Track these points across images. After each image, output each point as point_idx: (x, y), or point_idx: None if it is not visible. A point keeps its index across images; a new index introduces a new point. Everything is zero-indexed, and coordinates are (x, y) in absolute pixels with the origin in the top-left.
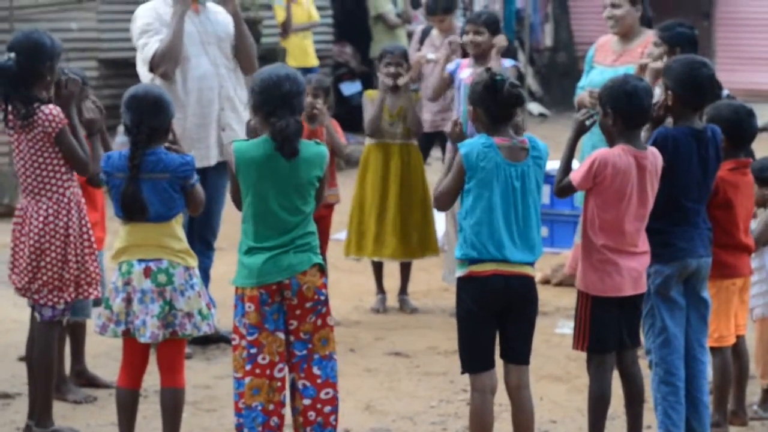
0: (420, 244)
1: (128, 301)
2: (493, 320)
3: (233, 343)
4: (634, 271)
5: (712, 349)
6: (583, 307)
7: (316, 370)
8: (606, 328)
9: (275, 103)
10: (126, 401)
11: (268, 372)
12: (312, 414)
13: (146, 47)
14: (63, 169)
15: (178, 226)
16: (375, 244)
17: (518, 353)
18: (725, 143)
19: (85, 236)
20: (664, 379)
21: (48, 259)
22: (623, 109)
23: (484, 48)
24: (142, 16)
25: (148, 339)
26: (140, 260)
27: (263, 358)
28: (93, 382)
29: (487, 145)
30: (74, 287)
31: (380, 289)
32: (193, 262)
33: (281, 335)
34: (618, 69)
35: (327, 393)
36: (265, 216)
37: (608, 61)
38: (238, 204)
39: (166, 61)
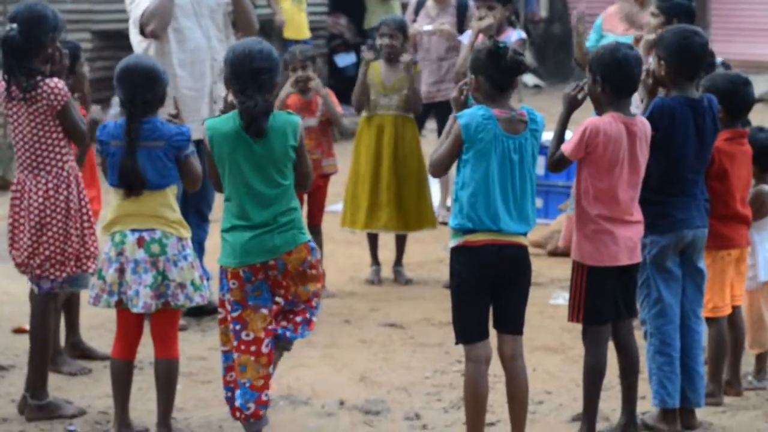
0: (416, 216)
1: (121, 271)
2: (487, 290)
3: (219, 316)
4: (629, 241)
5: (708, 319)
6: (578, 278)
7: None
8: (602, 299)
9: (245, 79)
10: (120, 372)
11: (253, 348)
12: (283, 323)
13: (137, 8)
14: (62, 143)
15: (172, 196)
16: (368, 215)
17: (512, 323)
18: (721, 113)
19: (84, 209)
20: (660, 349)
21: (50, 234)
22: (612, 77)
23: (497, 21)
24: None
25: (140, 309)
26: (133, 230)
27: (247, 335)
28: (88, 354)
29: (486, 116)
30: (75, 261)
31: (375, 260)
32: (186, 233)
33: (265, 311)
34: (630, 37)
35: (299, 306)
36: (243, 190)
37: (620, 30)
38: (217, 184)
39: (156, 19)
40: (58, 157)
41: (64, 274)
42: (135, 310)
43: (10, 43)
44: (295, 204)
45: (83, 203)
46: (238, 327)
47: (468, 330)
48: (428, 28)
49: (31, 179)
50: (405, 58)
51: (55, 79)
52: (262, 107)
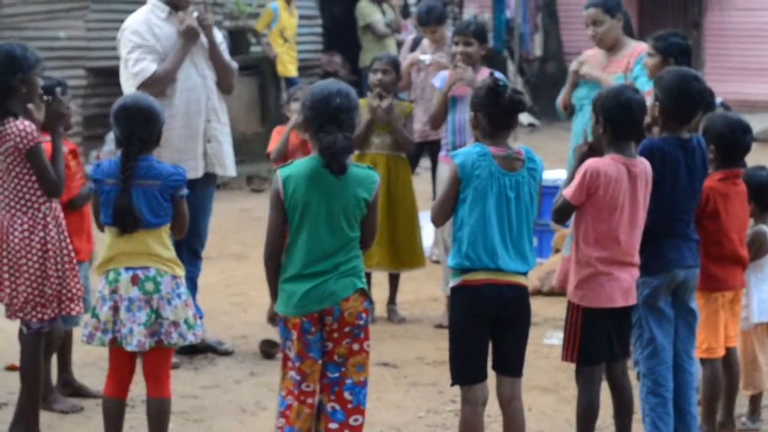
0: (407, 255)
1: (115, 309)
2: (486, 330)
3: (282, 358)
4: (625, 283)
5: (702, 360)
6: (573, 319)
7: (347, 395)
8: (596, 340)
9: (324, 118)
10: (112, 411)
11: (310, 401)
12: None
13: (139, 64)
14: (36, 185)
15: (166, 234)
16: None
17: (512, 365)
18: (716, 155)
19: (65, 251)
20: (652, 390)
21: (26, 276)
22: (615, 119)
23: (474, 59)
24: (135, 30)
25: (134, 347)
26: (127, 268)
27: (307, 386)
28: (80, 392)
29: (482, 153)
30: (57, 303)
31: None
32: (180, 271)
33: (320, 362)
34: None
35: (356, 420)
36: (311, 237)
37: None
38: (276, 236)
39: (162, 85)
40: (33, 198)
41: (45, 317)
42: (129, 348)
43: None
44: (358, 252)
45: (64, 244)
46: (298, 378)
47: (467, 371)
48: (425, 57)
49: (8, 220)
50: (384, 103)
51: (26, 122)
52: (342, 143)
